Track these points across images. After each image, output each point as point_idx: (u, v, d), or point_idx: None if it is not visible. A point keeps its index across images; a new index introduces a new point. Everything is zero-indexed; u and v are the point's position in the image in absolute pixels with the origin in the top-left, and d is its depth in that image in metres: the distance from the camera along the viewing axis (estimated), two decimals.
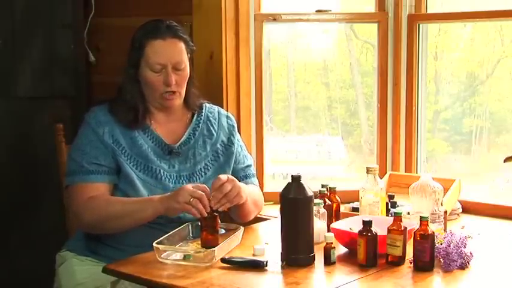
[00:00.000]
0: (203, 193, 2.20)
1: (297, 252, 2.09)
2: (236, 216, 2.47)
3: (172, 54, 2.40)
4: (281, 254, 2.11)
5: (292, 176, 2.11)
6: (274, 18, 3.12)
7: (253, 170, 2.66)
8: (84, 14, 3.28)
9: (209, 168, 2.51)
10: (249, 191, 2.42)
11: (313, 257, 2.11)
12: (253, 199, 2.47)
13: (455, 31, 3.29)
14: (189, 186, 2.23)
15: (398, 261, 2.08)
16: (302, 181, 2.10)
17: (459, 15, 3.05)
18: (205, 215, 2.18)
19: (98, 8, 3.27)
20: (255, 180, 2.65)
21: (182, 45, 2.43)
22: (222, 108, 2.76)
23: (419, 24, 3.07)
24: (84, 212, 2.33)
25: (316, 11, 3.12)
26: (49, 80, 3.25)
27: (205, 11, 3.03)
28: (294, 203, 2.09)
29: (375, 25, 3.14)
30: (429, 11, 3.08)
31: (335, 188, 2.54)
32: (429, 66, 3.16)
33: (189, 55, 2.47)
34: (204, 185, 2.25)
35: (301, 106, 3.49)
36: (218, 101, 2.90)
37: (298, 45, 3.50)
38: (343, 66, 3.52)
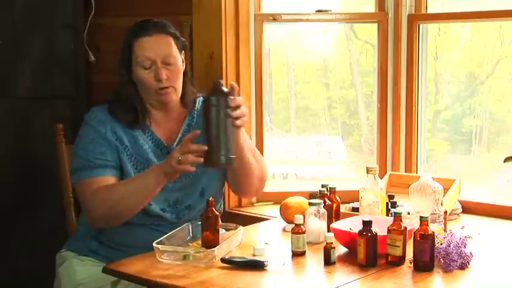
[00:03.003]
0: (189, 143, 2.15)
1: (214, 152, 2.11)
2: (238, 184, 2.48)
3: (160, 49, 2.39)
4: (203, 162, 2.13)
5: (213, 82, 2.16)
6: (274, 18, 3.12)
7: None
8: (84, 14, 3.28)
9: None
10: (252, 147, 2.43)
11: (233, 158, 2.13)
12: (252, 152, 2.44)
13: (455, 31, 3.30)
14: (177, 148, 2.20)
15: (399, 261, 2.08)
16: (221, 84, 2.16)
17: (459, 15, 3.05)
18: (201, 161, 2.15)
19: (98, 8, 3.27)
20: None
21: (170, 40, 2.42)
22: None
23: (419, 24, 3.07)
24: (93, 206, 2.31)
25: (316, 11, 3.13)
26: (49, 80, 3.25)
27: (205, 11, 3.03)
28: (208, 102, 2.14)
29: (375, 25, 3.15)
30: (429, 11, 3.08)
31: (335, 188, 2.54)
32: (429, 66, 3.16)
33: (182, 51, 2.46)
34: (186, 139, 2.18)
35: (301, 106, 3.49)
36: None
37: (298, 45, 3.50)
38: (343, 66, 3.52)
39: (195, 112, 2.53)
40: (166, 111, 2.49)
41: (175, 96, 2.44)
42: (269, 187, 3.20)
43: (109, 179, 2.33)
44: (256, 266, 2.06)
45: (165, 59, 2.38)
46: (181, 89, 2.45)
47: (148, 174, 2.28)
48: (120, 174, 2.37)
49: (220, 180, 2.53)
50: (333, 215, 2.49)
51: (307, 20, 3.17)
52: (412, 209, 2.46)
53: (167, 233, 2.24)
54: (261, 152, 3.13)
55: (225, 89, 2.18)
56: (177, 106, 2.50)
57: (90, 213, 2.33)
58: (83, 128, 2.43)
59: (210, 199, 2.25)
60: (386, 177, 2.92)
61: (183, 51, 2.47)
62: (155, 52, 2.38)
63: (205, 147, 2.13)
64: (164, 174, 2.22)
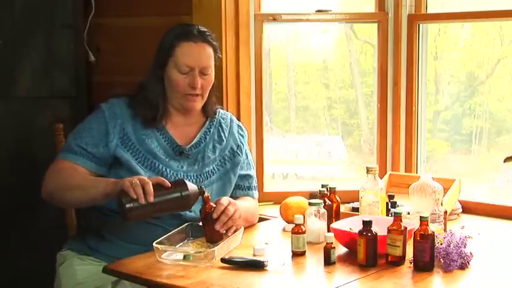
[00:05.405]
0: (149, 182, 2.14)
1: (137, 210, 2.13)
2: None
3: (201, 58, 2.44)
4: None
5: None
6: (274, 18, 3.12)
7: (255, 182, 2.67)
8: (84, 14, 3.27)
9: (215, 172, 2.53)
10: (244, 210, 2.43)
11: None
12: (245, 218, 2.47)
13: (455, 31, 3.30)
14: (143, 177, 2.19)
15: (399, 261, 2.08)
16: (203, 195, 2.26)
17: (459, 15, 3.05)
18: (143, 201, 2.12)
19: (98, 8, 3.27)
20: (255, 193, 2.66)
21: (211, 51, 2.48)
22: (226, 110, 2.77)
23: (419, 24, 3.07)
24: (49, 180, 2.38)
25: (316, 11, 3.13)
26: (49, 80, 3.25)
27: (205, 11, 3.03)
28: (184, 191, 2.18)
29: (375, 25, 3.15)
30: (429, 11, 3.08)
31: (335, 188, 2.54)
32: (429, 66, 3.16)
33: (215, 63, 2.50)
34: (163, 179, 2.19)
35: (301, 106, 3.49)
36: (218, 101, 2.90)
37: (298, 45, 3.50)
38: (343, 66, 3.52)
39: (214, 123, 2.58)
40: (186, 115, 2.53)
41: (200, 104, 2.50)
42: (269, 187, 3.21)
43: (78, 167, 2.38)
44: (256, 266, 2.06)
45: (203, 69, 2.44)
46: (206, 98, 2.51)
47: (102, 182, 2.28)
48: (96, 168, 2.40)
49: (226, 194, 2.54)
50: (333, 215, 2.49)
51: (307, 20, 3.17)
52: (412, 209, 2.46)
53: (168, 230, 2.25)
54: (261, 152, 3.15)
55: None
56: (197, 112, 2.55)
57: (44, 183, 2.41)
58: (93, 114, 2.47)
59: (206, 195, 2.26)
60: (386, 177, 2.92)
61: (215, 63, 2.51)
62: (196, 60, 2.43)
63: (152, 199, 2.12)
64: (112, 188, 2.19)
